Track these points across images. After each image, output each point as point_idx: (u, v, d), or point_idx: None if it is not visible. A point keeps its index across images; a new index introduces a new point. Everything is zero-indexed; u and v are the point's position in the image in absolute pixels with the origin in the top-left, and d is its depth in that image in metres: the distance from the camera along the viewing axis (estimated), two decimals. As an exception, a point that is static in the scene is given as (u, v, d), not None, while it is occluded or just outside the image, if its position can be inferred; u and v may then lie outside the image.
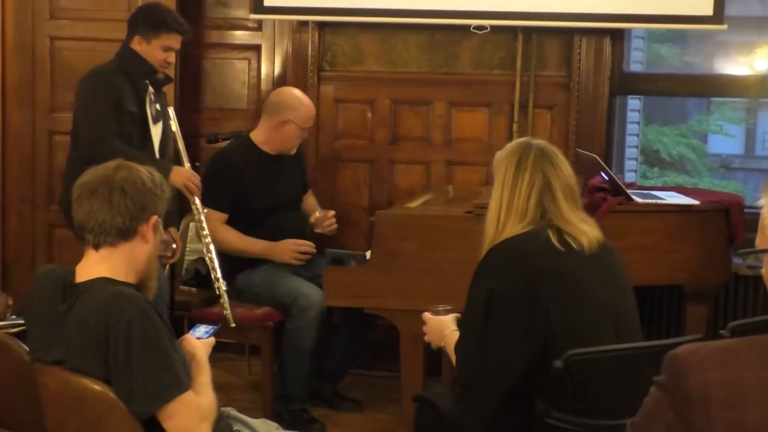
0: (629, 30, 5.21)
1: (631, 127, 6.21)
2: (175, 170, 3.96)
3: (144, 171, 2.35)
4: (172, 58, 4.09)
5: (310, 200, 4.62)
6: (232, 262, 4.29)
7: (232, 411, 2.59)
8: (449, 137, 4.97)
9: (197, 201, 3.98)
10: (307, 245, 4.29)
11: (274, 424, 2.63)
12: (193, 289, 4.69)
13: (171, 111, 4.13)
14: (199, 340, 2.51)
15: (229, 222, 4.28)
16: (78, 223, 2.32)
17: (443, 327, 2.70)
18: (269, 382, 4.19)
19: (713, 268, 3.87)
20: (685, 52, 10.70)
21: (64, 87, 5.01)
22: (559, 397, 2.37)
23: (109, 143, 3.80)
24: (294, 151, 4.44)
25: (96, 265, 2.29)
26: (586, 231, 2.50)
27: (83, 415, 2.19)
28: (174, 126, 4.09)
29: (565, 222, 2.49)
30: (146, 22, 4.04)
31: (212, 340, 2.55)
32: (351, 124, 5.06)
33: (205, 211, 4.03)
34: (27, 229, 5.13)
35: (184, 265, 4.84)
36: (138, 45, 4.02)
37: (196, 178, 4.00)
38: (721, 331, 2.40)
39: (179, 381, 2.19)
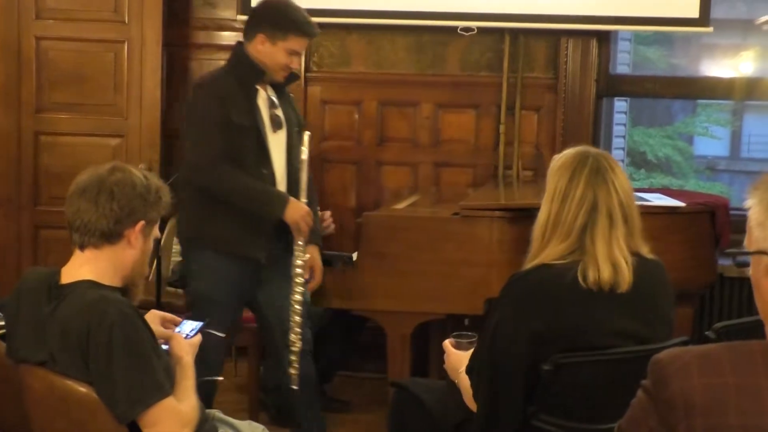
0: (616, 32, 5.23)
1: (617, 129, 6.23)
2: (292, 205, 3.47)
3: (139, 175, 2.33)
4: (296, 63, 3.61)
5: None
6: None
7: (217, 413, 2.58)
8: (436, 138, 4.97)
9: (301, 242, 3.50)
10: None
11: (261, 426, 2.62)
12: (179, 290, 4.69)
13: (306, 137, 3.59)
14: (186, 339, 2.49)
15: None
16: (67, 222, 2.31)
17: (459, 365, 2.64)
18: (255, 384, 4.18)
19: (699, 269, 3.88)
20: (672, 54, 10.74)
21: (51, 87, 5.00)
22: (549, 400, 2.37)
23: (216, 169, 3.45)
24: None
25: (81, 267, 2.28)
26: (620, 265, 2.37)
27: (69, 417, 2.18)
28: (304, 154, 3.56)
29: (600, 255, 2.37)
30: (275, 20, 3.53)
31: (198, 338, 2.53)
32: (338, 126, 5.06)
33: (307, 256, 3.56)
34: (12, 230, 5.10)
35: (171, 266, 4.83)
36: (260, 45, 3.52)
37: (309, 217, 3.49)
38: (707, 333, 2.40)
39: (160, 387, 2.18)
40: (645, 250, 2.48)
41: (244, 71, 3.54)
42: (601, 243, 2.37)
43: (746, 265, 1.54)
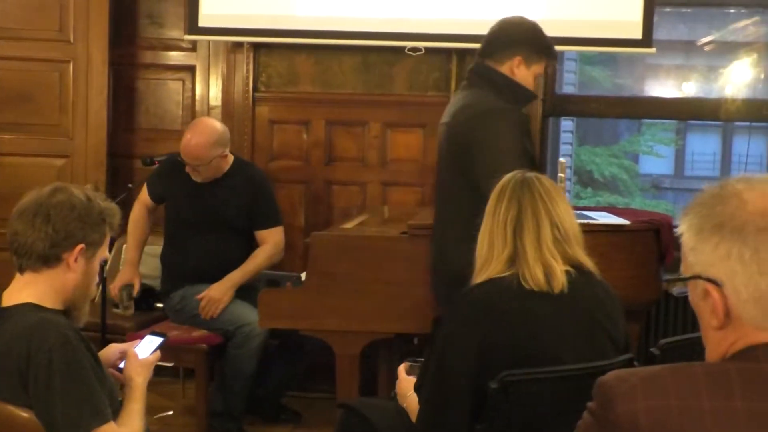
0: (562, 52, 5.29)
1: (564, 148, 6.32)
2: None
3: (81, 197, 2.29)
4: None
5: (258, 251, 4.40)
6: (170, 278, 4.26)
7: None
8: (384, 158, 4.99)
9: None
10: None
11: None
12: (127, 313, 4.64)
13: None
14: (143, 359, 2.46)
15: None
16: (8, 244, 2.28)
17: (408, 390, 2.65)
18: (204, 406, 4.15)
19: (644, 286, 3.92)
20: (617, 74, 10.89)
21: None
22: (496, 419, 2.37)
23: None
24: (199, 179, 4.26)
25: (22, 290, 2.25)
26: (551, 267, 2.41)
27: (10, 443, 2.14)
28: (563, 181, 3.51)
29: (530, 257, 2.42)
30: (534, 42, 3.37)
31: (156, 356, 2.50)
32: (286, 145, 5.05)
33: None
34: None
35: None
36: (516, 67, 3.33)
37: None
38: (652, 349, 2.42)
39: (99, 412, 2.15)
40: (588, 264, 2.51)
41: (517, 95, 3.36)
42: (530, 246, 2.43)
43: (684, 293, 1.56)
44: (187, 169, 4.22)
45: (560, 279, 2.41)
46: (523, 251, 2.43)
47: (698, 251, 1.49)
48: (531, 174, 2.56)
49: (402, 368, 2.74)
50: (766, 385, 1.39)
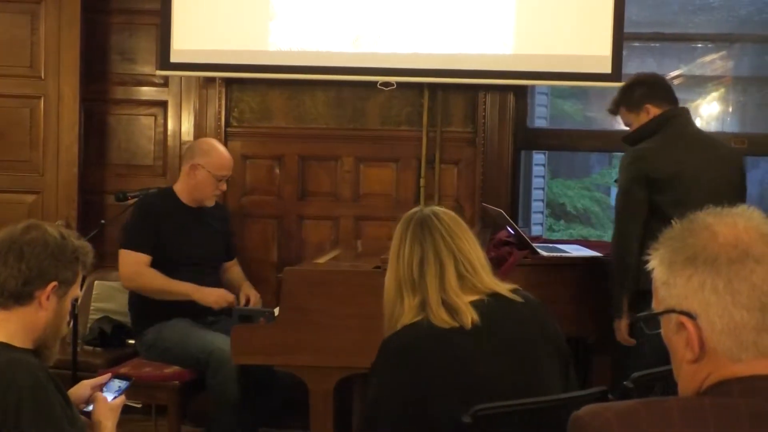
0: (533, 87, 5.33)
1: (536, 181, 6.34)
2: None
3: (55, 234, 2.28)
4: None
5: (235, 270, 4.57)
6: (143, 317, 4.22)
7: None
8: (357, 192, 4.99)
9: None
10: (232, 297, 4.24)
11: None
12: (98, 349, 4.60)
13: None
14: (110, 402, 2.44)
15: None
16: None
17: None
18: (176, 444, 4.10)
19: (617, 318, 3.93)
20: (588, 108, 10.97)
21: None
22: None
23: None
24: (212, 203, 4.39)
25: (-8, 329, 2.23)
26: (457, 307, 2.38)
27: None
28: None
29: (433, 302, 2.39)
30: (663, 92, 3.86)
31: (121, 400, 2.49)
32: (259, 180, 5.05)
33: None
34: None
35: (88, 324, 4.75)
36: (645, 115, 3.83)
37: None
38: (625, 383, 2.42)
39: None
40: (501, 288, 2.48)
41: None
42: (433, 290, 2.40)
43: (658, 329, 1.57)
44: (216, 183, 4.31)
45: (467, 314, 2.37)
46: (428, 297, 2.40)
47: (671, 285, 1.50)
48: (428, 210, 2.54)
49: None
50: (739, 421, 1.39)
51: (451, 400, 2.29)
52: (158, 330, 4.18)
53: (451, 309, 2.38)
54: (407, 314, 2.43)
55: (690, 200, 3.45)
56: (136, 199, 4.43)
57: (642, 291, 3.40)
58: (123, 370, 3.97)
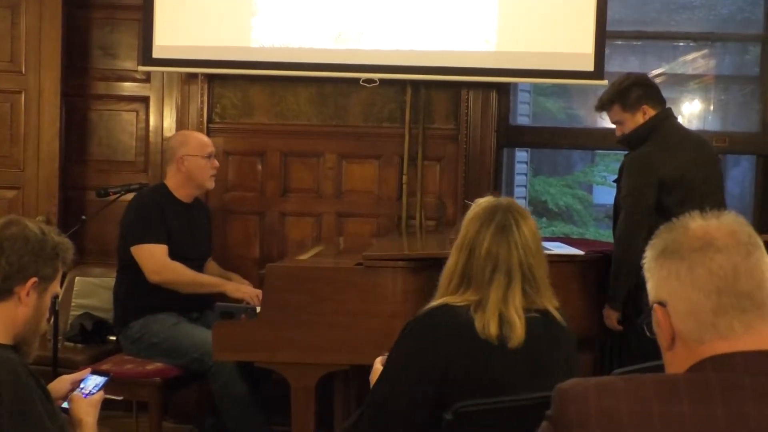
0: (515, 84, 5.34)
1: (519, 178, 6.34)
2: None
3: (35, 230, 2.27)
4: None
5: (213, 266, 4.60)
6: (129, 310, 4.19)
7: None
8: (339, 189, 4.99)
9: None
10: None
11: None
12: (79, 345, 4.58)
13: None
14: (88, 398, 2.43)
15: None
16: None
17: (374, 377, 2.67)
18: (157, 441, 4.09)
19: (598, 316, 3.95)
20: (570, 105, 11.00)
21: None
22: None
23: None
24: (212, 184, 4.42)
25: (-29, 325, 2.22)
26: (512, 321, 2.39)
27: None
28: None
29: (490, 310, 2.40)
30: (656, 94, 3.98)
31: (100, 396, 2.48)
32: (241, 176, 5.04)
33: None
34: None
35: (69, 320, 4.73)
36: (641, 116, 3.94)
37: None
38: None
39: None
40: (551, 307, 2.51)
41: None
42: (494, 300, 2.41)
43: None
44: (208, 163, 4.35)
45: (519, 333, 2.39)
46: (487, 302, 2.41)
47: (649, 278, 1.61)
48: (509, 213, 2.52)
49: (378, 360, 2.72)
50: (712, 392, 1.46)
51: (464, 391, 2.31)
52: (144, 324, 4.16)
53: (503, 321, 2.40)
54: (458, 298, 2.45)
55: (690, 199, 3.62)
56: (122, 195, 4.41)
57: (638, 285, 3.52)
58: (104, 366, 3.95)
